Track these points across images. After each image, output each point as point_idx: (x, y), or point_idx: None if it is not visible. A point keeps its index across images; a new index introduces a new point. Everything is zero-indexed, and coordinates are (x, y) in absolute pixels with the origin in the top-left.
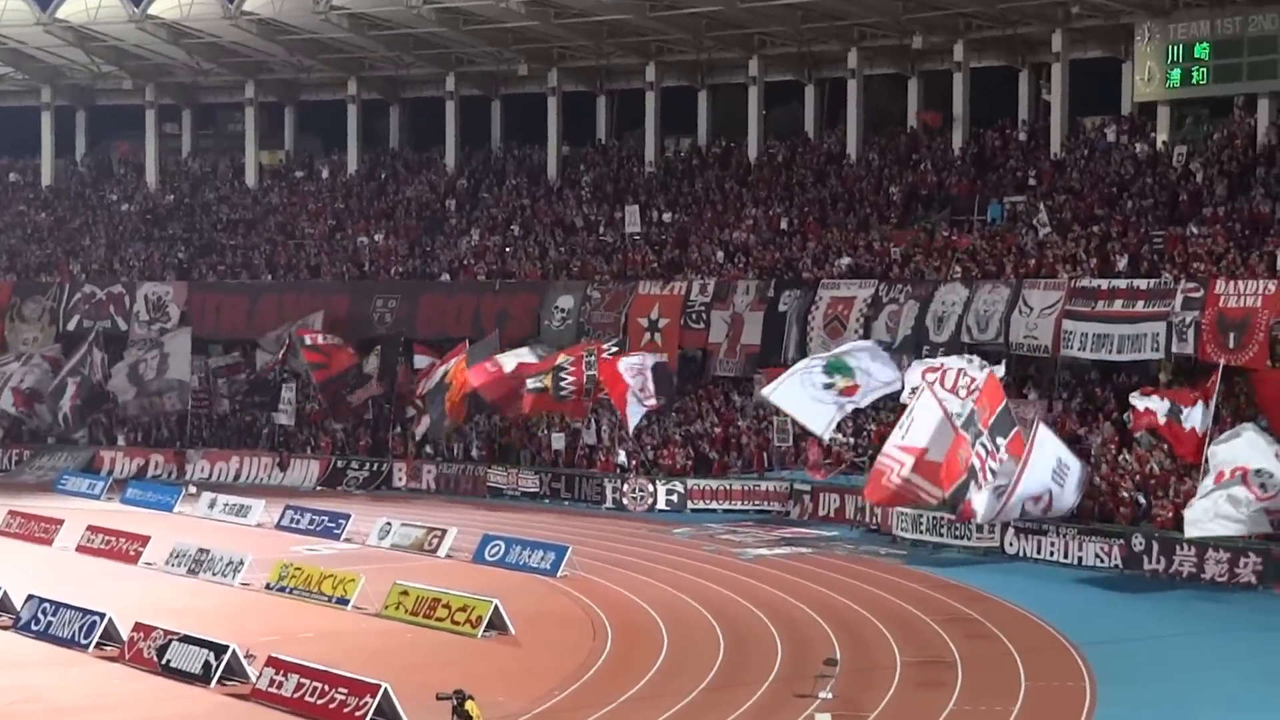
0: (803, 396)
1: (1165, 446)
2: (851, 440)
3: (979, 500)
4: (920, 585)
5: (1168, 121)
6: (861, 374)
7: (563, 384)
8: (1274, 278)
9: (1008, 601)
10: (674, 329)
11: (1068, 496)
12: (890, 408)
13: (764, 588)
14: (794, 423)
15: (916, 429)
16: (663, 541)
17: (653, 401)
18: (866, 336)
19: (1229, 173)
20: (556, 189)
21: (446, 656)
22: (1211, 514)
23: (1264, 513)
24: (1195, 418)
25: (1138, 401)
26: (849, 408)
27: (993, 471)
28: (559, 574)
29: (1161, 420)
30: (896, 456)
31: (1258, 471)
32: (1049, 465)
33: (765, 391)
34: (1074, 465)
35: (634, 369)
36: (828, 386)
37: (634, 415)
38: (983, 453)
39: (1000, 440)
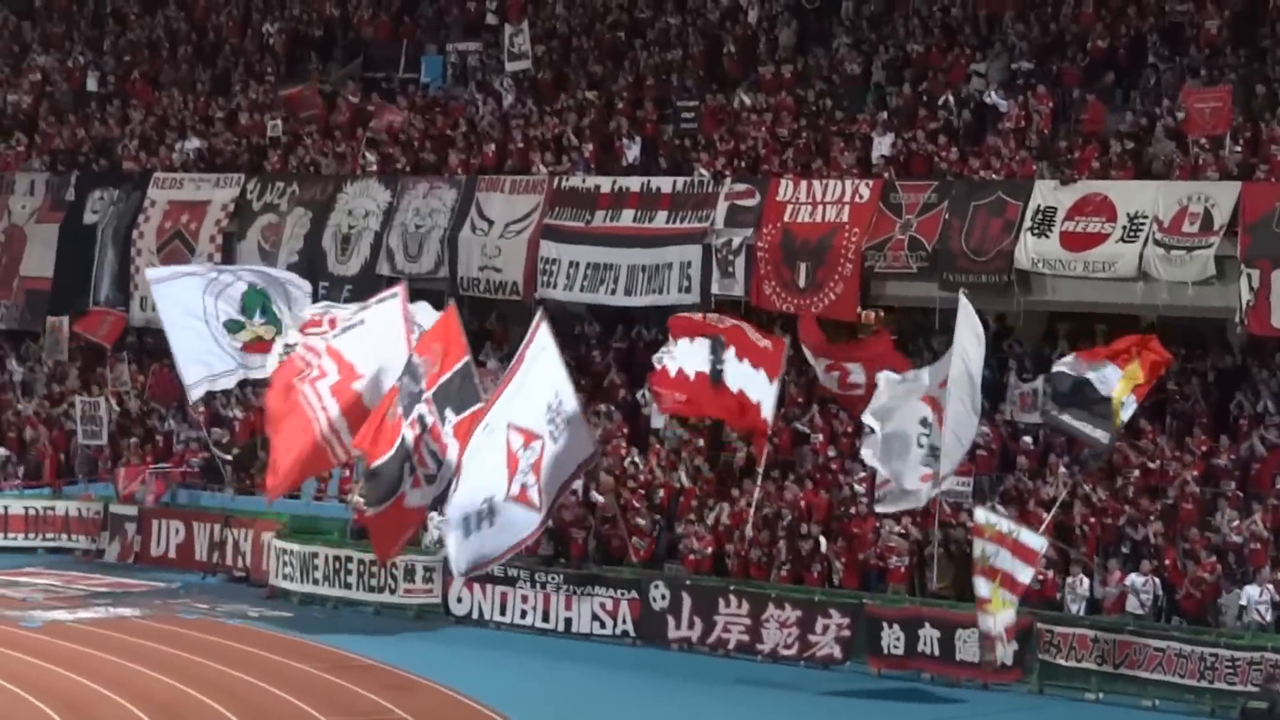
0: (193, 320)
1: (699, 442)
2: (206, 432)
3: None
4: (312, 667)
5: None
6: (282, 317)
7: None
8: (867, 176)
9: (453, 691)
10: None
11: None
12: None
13: (60, 675)
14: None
15: (361, 339)
16: None
17: None
18: (229, 261)
19: (801, 10)
20: None
21: None
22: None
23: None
24: (749, 379)
25: (667, 360)
26: (245, 374)
27: (433, 457)
28: None
29: (691, 376)
30: (322, 363)
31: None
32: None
33: (151, 275)
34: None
35: None
36: (232, 327)
37: None
38: (420, 424)
39: (450, 415)
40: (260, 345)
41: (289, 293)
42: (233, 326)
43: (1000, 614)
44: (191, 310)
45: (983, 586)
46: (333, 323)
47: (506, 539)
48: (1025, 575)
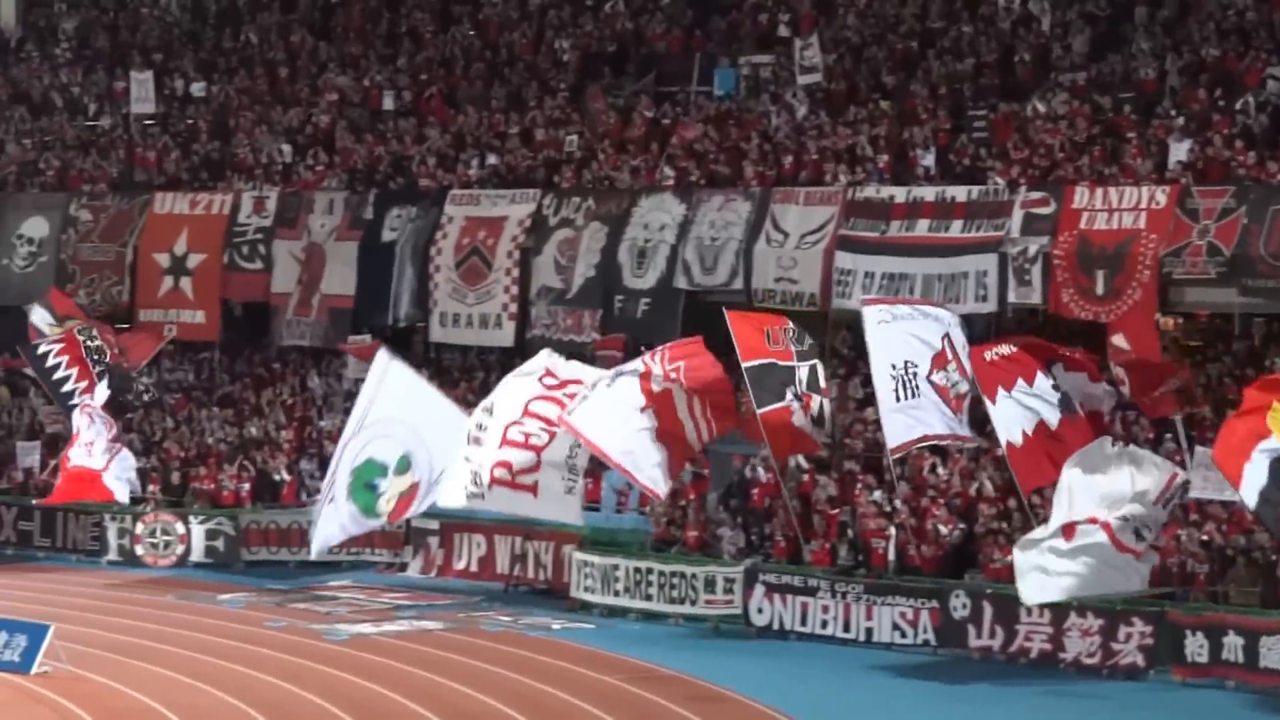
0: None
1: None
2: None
3: None
4: (615, 679)
5: None
6: (418, 457)
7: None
8: (1163, 182)
9: (756, 702)
10: (213, 270)
11: None
12: None
13: (366, 687)
14: None
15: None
16: (202, 615)
17: None
18: (525, 278)
19: (1094, 16)
20: (16, 43)
21: None
22: (1056, 571)
23: (1135, 568)
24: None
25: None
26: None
27: None
28: (34, 669)
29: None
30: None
31: (1124, 519)
32: None
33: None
34: None
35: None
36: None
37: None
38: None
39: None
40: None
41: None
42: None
43: None
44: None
45: None
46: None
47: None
48: None
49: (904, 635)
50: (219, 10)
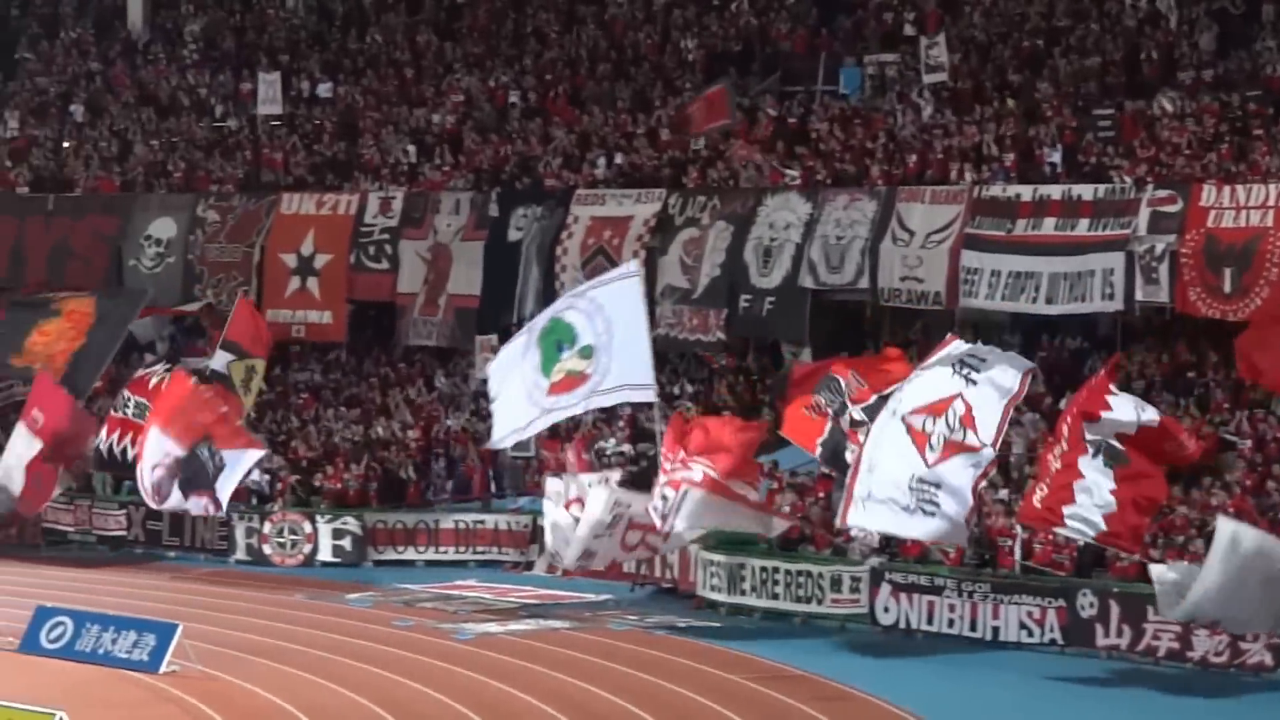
0: (513, 379)
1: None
2: (624, 448)
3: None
4: (742, 677)
5: None
6: (600, 356)
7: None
8: None
9: (883, 701)
10: (340, 270)
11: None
12: None
13: (493, 686)
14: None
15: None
16: (328, 615)
17: None
18: (650, 278)
19: (1221, 13)
20: (144, 45)
21: None
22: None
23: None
24: None
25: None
26: (553, 416)
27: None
28: (163, 668)
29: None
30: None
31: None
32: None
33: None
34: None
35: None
36: (540, 371)
37: None
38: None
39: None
40: (567, 383)
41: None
42: (546, 366)
43: None
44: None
45: None
46: None
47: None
48: None
49: (1031, 634)
50: (345, 11)
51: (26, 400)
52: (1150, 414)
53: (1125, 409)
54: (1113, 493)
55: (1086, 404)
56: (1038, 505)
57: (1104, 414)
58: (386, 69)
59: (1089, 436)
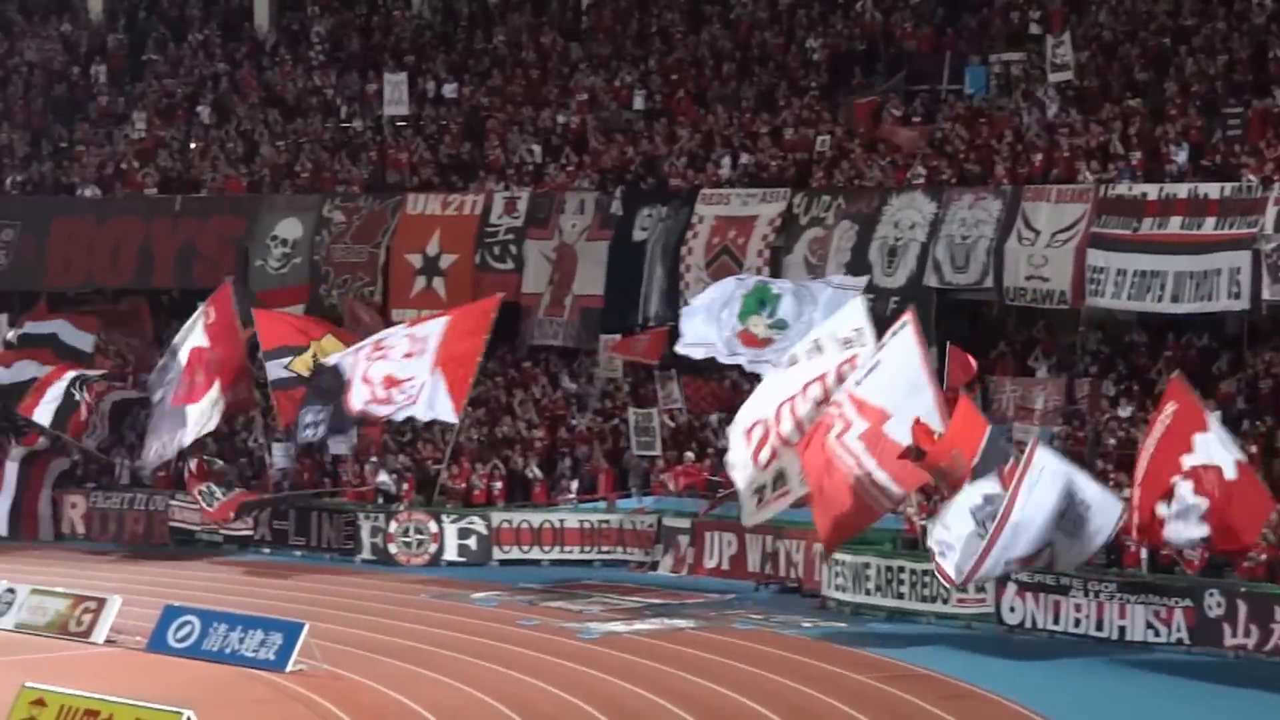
0: (711, 332)
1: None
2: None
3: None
4: (867, 677)
5: None
6: (795, 323)
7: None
8: None
9: (1011, 702)
10: (465, 270)
11: (1084, 547)
12: None
13: (618, 685)
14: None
15: (881, 377)
16: (454, 614)
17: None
18: (776, 275)
19: None
20: (270, 46)
21: None
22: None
23: None
24: None
25: None
26: (736, 358)
27: (984, 498)
28: (289, 667)
29: None
30: (846, 413)
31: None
32: (1050, 510)
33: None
34: (1098, 503)
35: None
36: (743, 315)
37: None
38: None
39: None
40: (751, 339)
41: (826, 299)
42: (743, 314)
43: None
44: (706, 331)
45: None
46: (852, 363)
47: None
48: None
49: (1157, 634)
50: (470, 12)
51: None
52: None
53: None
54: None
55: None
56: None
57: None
58: (512, 69)
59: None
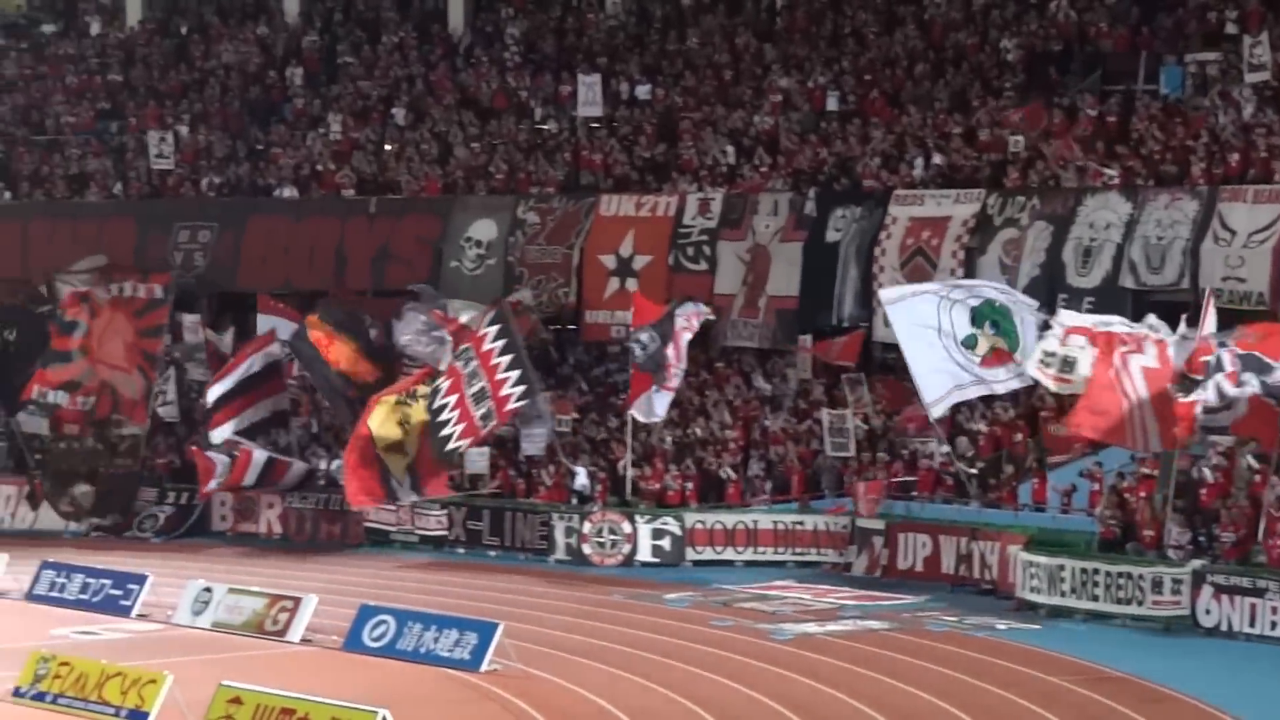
0: (928, 336)
1: None
2: (950, 446)
3: None
4: (1062, 680)
5: None
6: (1025, 339)
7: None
8: None
9: (1207, 705)
10: (659, 271)
11: None
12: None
13: (811, 687)
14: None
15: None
16: (648, 614)
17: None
18: (970, 276)
19: None
20: (465, 48)
21: None
22: None
23: None
24: None
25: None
26: (986, 388)
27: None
28: (483, 667)
29: None
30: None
31: None
32: None
33: (884, 295)
34: None
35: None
36: (967, 343)
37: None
38: None
39: None
40: (997, 357)
41: (1023, 313)
42: (969, 341)
43: None
44: (927, 324)
45: None
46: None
47: None
48: None
49: None
50: (664, 13)
51: None
52: None
53: None
54: None
55: None
56: None
57: None
58: (705, 70)
59: None
